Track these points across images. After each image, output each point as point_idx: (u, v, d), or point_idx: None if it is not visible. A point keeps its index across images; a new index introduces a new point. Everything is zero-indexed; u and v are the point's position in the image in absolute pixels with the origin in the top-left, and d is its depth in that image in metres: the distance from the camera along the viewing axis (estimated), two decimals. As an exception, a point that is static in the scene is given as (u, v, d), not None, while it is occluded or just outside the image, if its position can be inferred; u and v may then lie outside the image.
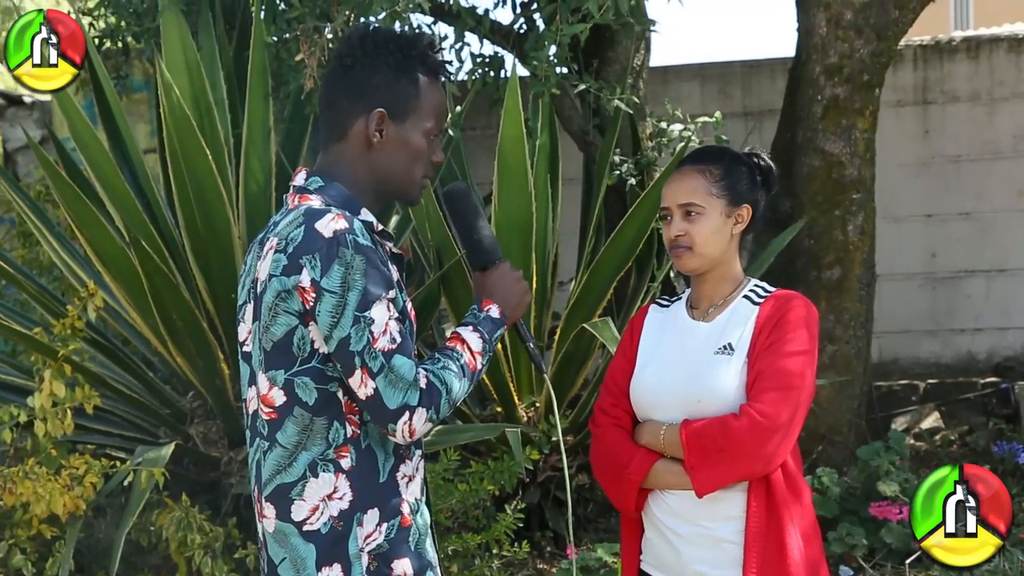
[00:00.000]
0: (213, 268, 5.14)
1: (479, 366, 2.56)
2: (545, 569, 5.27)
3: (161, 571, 4.83)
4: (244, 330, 2.55)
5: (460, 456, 4.82)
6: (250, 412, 2.56)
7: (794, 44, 6.23)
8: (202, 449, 5.12)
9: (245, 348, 2.55)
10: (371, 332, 2.38)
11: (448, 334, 2.65)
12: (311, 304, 2.39)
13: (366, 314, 2.38)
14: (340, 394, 2.44)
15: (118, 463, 4.61)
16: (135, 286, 4.98)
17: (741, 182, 2.90)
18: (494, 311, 2.62)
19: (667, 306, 3.01)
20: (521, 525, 4.84)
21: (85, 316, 4.70)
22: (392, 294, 2.43)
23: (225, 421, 5.13)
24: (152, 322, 5.06)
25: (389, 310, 2.42)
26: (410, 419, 2.41)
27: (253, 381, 2.53)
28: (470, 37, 5.65)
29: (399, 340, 2.41)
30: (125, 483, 4.52)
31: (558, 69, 5.24)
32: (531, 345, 2.76)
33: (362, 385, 2.39)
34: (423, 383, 2.43)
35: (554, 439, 5.17)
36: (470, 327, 2.59)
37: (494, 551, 4.77)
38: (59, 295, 5.73)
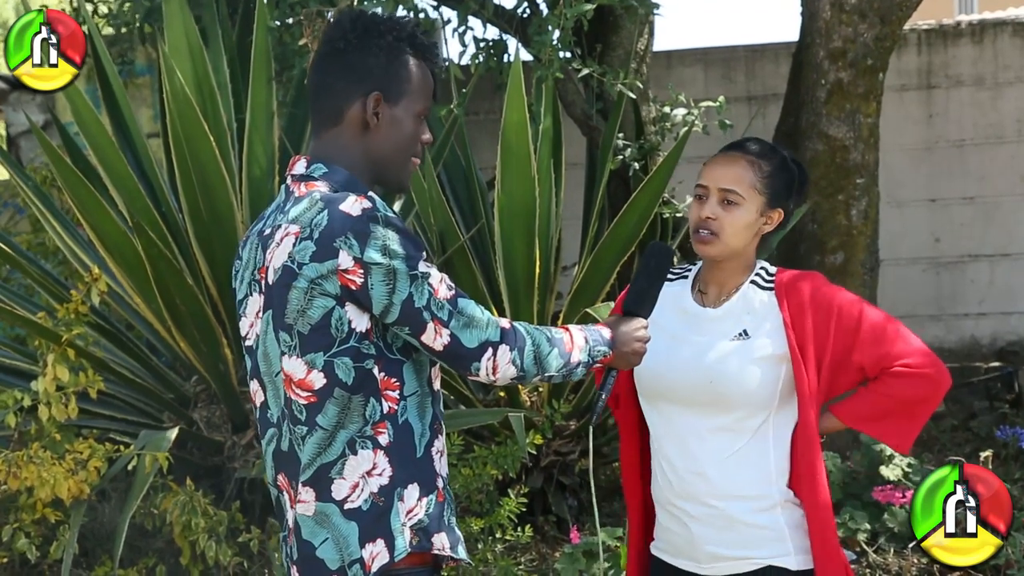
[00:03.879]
0: (216, 253, 5.14)
1: (576, 358, 2.57)
2: (548, 553, 5.28)
3: (165, 555, 4.84)
4: (246, 324, 2.54)
5: (463, 440, 4.82)
6: (257, 404, 2.55)
7: (798, 28, 6.22)
8: (205, 433, 5.13)
9: (247, 342, 2.54)
10: (430, 285, 2.41)
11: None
12: (359, 283, 2.38)
13: (419, 271, 2.41)
14: (376, 371, 2.44)
15: (122, 447, 4.62)
16: (139, 271, 4.98)
17: (783, 186, 2.87)
18: (606, 332, 2.65)
19: (672, 279, 2.97)
20: (524, 510, 4.84)
21: (89, 301, 4.71)
22: (426, 255, 2.47)
23: (229, 405, 5.14)
24: (155, 307, 5.06)
25: (432, 265, 2.45)
26: (494, 355, 2.45)
27: (256, 374, 2.53)
28: (473, 21, 5.63)
29: (454, 287, 2.47)
30: (129, 467, 4.53)
31: (561, 53, 5.23)
32: (604, 397, 2.76)
33: (437, 336, 2.42)
34: (506, 324, 2.47)
35: (557, 423, 5.17)
36: (579, 328, 2.62)
37: (497, 535, 4.78)
38: (63, 280, 5.74)
